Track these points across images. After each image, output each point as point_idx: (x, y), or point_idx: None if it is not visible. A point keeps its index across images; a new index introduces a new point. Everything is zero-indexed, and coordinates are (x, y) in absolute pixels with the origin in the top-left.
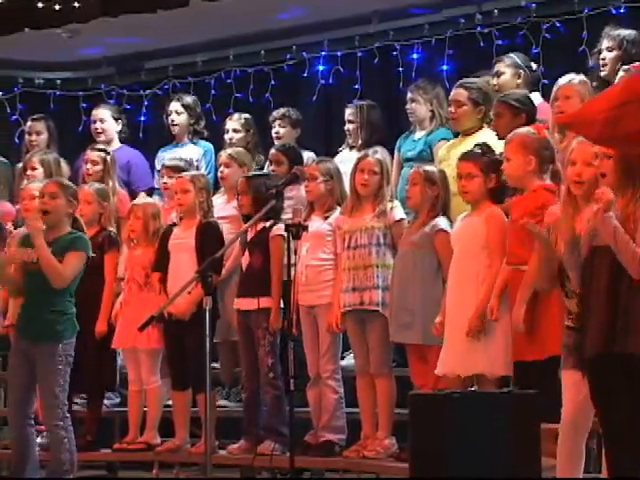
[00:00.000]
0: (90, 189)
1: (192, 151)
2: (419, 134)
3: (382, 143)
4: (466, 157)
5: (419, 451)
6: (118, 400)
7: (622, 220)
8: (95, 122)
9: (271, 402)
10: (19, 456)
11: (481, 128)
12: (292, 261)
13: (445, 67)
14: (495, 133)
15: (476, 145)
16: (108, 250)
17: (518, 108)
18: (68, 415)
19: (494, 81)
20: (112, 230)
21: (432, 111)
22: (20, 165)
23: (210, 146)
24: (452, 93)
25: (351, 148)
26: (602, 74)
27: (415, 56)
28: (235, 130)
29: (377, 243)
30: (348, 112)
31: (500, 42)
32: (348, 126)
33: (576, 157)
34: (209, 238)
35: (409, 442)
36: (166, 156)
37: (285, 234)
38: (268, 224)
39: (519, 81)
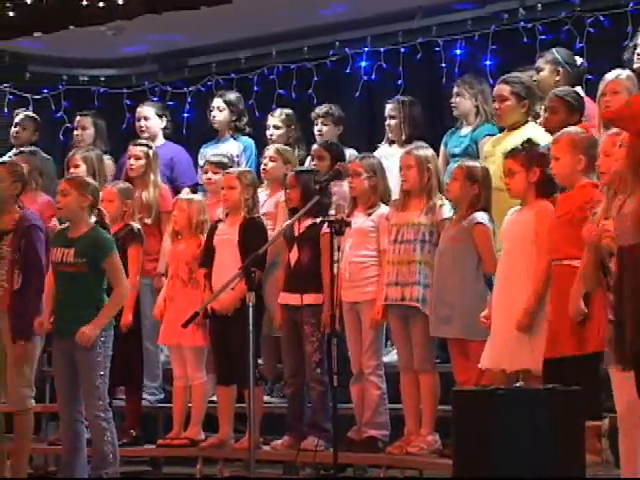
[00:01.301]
0: (113, 188)
1: (232, 147)
2: (465, 130)
3: (423, 139)
4: (508, 154)
5: (462, 448)
6: (162, 396)
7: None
8: (139, 120)
9: (317, 398)
10: (69, 451)
11: (526, 123)
12: (335, 257)
13: (488, 62)
14: (544, 128)
15: (522, 143)
16: (131, 244)
17: (573, 106)
18: (109, 408)
19: (535, 77)
20: (136, 225)
21: (477, 106)
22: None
23: (250, 142)
24: (495, 89)
25: (391, 143)
26: (635, 66)
27: (458, 52)
28: (276, 126)
29: (422, 240)
30: (389, 107)
31: (544, 37)
32: (389, 121)
33: (601, 148)
34: (253, 234)
35: (452, 439)
36: (208, 152)
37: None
38: (318, 220)
39: (558, 78)
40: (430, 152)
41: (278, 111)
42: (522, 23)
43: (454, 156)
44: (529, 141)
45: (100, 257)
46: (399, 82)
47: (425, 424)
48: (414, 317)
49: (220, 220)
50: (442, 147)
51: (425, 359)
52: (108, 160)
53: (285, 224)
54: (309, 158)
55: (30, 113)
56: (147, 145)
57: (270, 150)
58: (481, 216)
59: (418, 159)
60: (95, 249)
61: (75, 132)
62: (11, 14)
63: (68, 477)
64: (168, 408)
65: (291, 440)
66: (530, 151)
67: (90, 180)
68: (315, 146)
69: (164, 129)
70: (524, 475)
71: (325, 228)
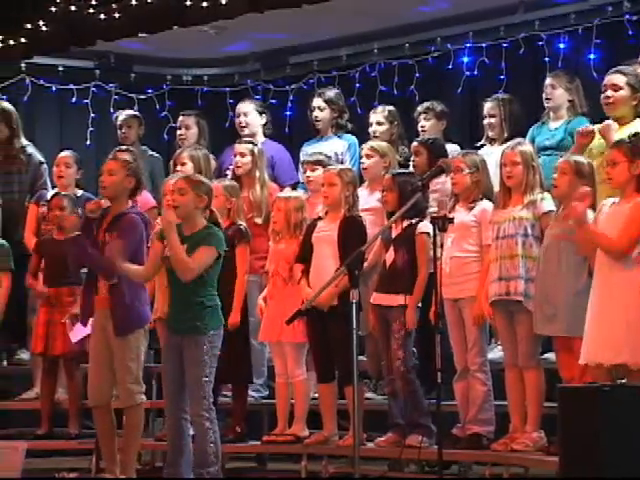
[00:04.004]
0: (219, 184)
1: (336, 145)
2: (555, 123)
3: (523, 135)
4: (613, 145)
5: (569, 445)
6: (266, 393)
7: None
8: (239, 116)
9: (406, 396)
10: (174, 448)
11: (635, 118)
12: (438, 254)
13: (592, 56)
14: None
15: (629, 135)
16: (239, 243)
17: None
18: (213, 407)
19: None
20: (242, 224)
21: (570, 100)
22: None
23: (354, 139)
24: (608, 78)
25: (491, 142)
26: None
27: (562, 46)
28: (379, 122)
29: (524, 234)
30: (488, 106)
31: None
32: (489, 120)
33: None
34: (352, 232)
35: (558, 436)
36: (308, 150)
37: (431, 231)
38: (414, 221)
39: None
40: (532, 148)
41: (381, 107)
42: (627, 16)
43: (545, 149)
44: (636, 134)
45: (200, 245)
46: (501, 77)
47: (530, 421)
48: (518, 312)
49: (320, 217)
50: (527, 142)
51: (530, 355)
52: (212, 159)
53: (385, 224)
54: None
55: (131, 111)
56: (252, 142)
57: (365, 148)
58: (589, 214)
59: (524, 155)
60: (203, 241)
61: (178, 132)
62: (116, 16)
63: (172, 475)
64: (272, 405)
65: (395, 437)
66: (636, 143)
67: (206, 181)
68: (414, 142)
69: (264, 126)
70: (634, 475)
71: (420, 228)
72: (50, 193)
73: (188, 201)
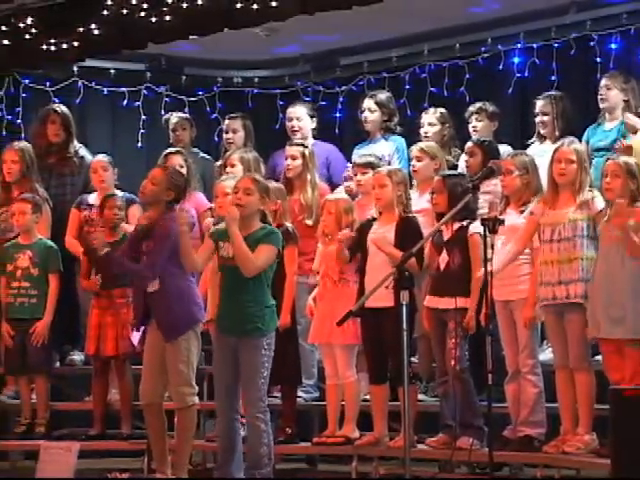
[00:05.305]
0: None
1: (384, 147)
2: (610, 124)
3: (574, 134)
4: None
5: (621, 447)
6: (317, 394)
7: None
8: (291, 120)
9: (461, 396)
10: (225, 449)
11: None
12: (489, 256)
13: None
14: None
15: None
16: (287, 244)
17: None
18: (268, 409)
19: None
20: (290, 225)
21: (625, 101)
22: (219, 163)
23: (402, 141)
24: None
25: (541, 140)
26: None
27: (613, 46)
28: (430, 124)
29: (581, 235)
30: (541, 104)
31: None
32: (542, 118)
33: None
34: (408, 233)
35: (610, 438)
36: (358, 153)
37: (482, 232)
38: (465, 223)
39: None
40: (582, 145)
41: (432, 109)
42: None
43: (599, 150)
44: None
45: (262, 243)
46: (552, 78)
47: (582, 423)
48: (570, 314)
49: (374, 219)
50: (583, 142)
51: (581, 357)
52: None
53: (435, 227)
54: (463, 156)
55: (183, 114)
56: (303, 145)
57: (414, 150)
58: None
59: (579, 154)
60: (264, 239)
61: (226, 135)
62: (167, 18)
63: (223, 476)
64: (323, 406)
65: (446, 438)
66: None
67: (271, 184)
68: (469, 143)
69: (314, 129)
70: None
71: (472, 230)
72: (91, 197)
73: (253, 201)
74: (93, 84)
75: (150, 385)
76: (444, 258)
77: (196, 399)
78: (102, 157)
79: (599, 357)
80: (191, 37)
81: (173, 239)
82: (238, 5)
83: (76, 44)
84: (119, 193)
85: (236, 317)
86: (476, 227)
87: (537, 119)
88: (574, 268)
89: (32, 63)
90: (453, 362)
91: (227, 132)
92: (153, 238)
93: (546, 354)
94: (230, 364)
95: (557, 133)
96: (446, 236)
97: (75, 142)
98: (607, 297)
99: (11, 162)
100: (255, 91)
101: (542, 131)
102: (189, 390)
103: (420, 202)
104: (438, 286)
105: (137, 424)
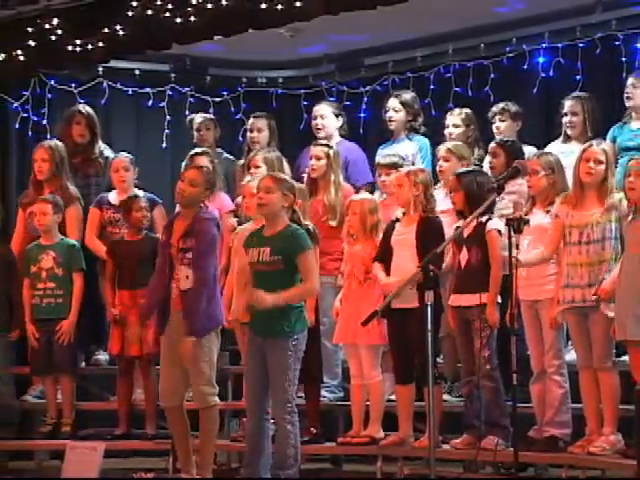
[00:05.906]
0: None
1: (407, 147)
2: (637, 123)
3: (598, 134)
4: None
5: None
6: (341, 394)
7: None
8: (315, 118)
9: (489, 395)
10: (253, 449)
11: None
12: (513, 254)
13: None
14: None
15: None
16: None
17: None
18: (296, 410)
19: None
20: (311, 225)
21: None
22: (242, 162)
23: (425, 141)
24: None
25: (565, 140)
26: None
27: (639, 45)
28: (455, 125)
29: (610, 237)
30: (570, 104)
31: None
32: (571, 118)
33: None
34: (430, 233)
35: (636, 438)
36: (382, 153)
37: (501, 228)
38: (483, 219)
39: None
40: (609, 145)
41: (457, 110)
42: None
43: (627, 149)
44: None
45: (295, 251)
46: (577, 78)
47: (607, 423)
48: (593, 314)
49: (397, 220)
50: (609, 142)
51: (605, 357)
52: (285, 162)
53: (457, 225)
54: (487, 157)
55: (207, 114)
56: (327, 145)
57: (441, 150)
58: None
59: (607, 155)
60: (292, 244)
61: (250, 134)
62: (192, 19)
63: (250, 475)
64: (347, 406)
65: (470, 438)
66: None
67: (292, 181)
68: (492, 144)
69: (340, 129)
70: None
71: (490, 226)
72: (111, 196)
73: (275, 199)
74: (118, 85)
75: (169, 387)
76: (464, 255)
77: (217, 399)
78: (124, 156)
79: (625, 357)
80: (216, 37)
81: (213, 235)
82: (262, 5)
83: (101, 45)
84: (140, 193)
85: (266, 319)
86: (493, 223)
87: (565, 119)
88: (603, 270)
89: (58, 64)
90: (483, 361)
91: (252, 131)
92: (196, 235)
93: (572, 354)
94: (259, 365)
95: (589, 134)
96: (465, 233)
97: (100, 143)
98: (632, 298)
99: (41, 160)
100: (279, 91)
101: (570, 132)
102: (211, 390)
103: (445, 202)
104: (460, 284)
105: (162, 424)
